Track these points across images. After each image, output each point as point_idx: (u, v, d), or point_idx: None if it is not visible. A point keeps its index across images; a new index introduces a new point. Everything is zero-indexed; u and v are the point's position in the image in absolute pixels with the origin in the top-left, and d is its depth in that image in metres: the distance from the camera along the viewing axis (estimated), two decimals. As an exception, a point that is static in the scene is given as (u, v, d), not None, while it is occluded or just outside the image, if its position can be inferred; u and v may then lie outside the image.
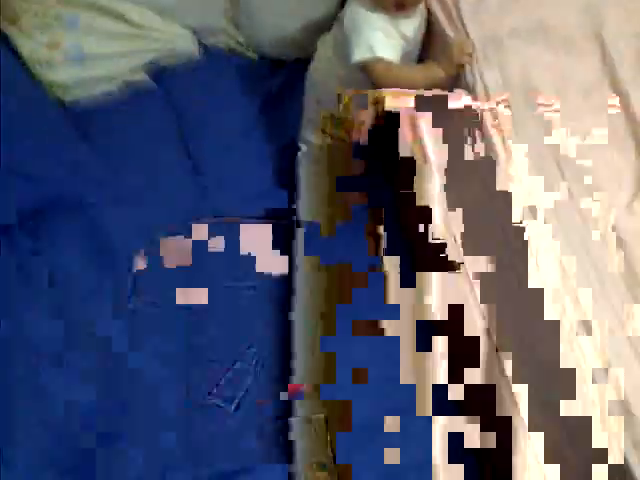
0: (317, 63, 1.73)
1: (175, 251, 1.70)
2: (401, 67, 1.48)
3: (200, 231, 1.71)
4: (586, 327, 1.12)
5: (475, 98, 1.35)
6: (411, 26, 1.49)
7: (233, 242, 1.71)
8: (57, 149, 1.83)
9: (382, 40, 1.43)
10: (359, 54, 1.45)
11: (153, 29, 2.06)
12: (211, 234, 1.72)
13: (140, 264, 1.72)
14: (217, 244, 1.70)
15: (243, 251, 1.69)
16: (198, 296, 1.67)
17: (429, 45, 1.55)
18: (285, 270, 1.70)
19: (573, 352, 1.11)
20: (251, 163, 1.95)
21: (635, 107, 1.30)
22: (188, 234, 1.73)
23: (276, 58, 2.16)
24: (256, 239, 1.71)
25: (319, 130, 1.77)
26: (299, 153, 1.87)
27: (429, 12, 1.53)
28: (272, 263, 1.70)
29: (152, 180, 1.89)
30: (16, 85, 1.92)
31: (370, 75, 1.47)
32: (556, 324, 1.14)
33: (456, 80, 1.40)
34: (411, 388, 1.59)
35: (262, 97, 2.09)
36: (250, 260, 1.69)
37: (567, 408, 1.13)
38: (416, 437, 1.54)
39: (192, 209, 1.80)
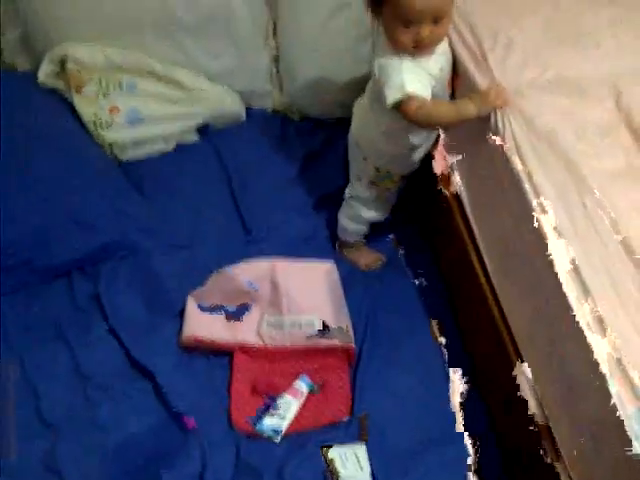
0: (357, 123, 1.84)
1: (221, 290, 1.81)
2: (434, 103, 1.57)
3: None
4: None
5: (503, 140, 1.46)
6: (436, 65, 1.58)
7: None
8: (114, 201, 1.98)
9: (411, 79, 1.51)
10: (392, 96, 1.53)
11: (204, 93, 2.24)
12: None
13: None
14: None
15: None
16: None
17: (455, 86, 1.67)
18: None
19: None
20: (294, 212, 2.09)
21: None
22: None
23: (318, 118, 2.32)
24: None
25: (369, 184, 1.89)
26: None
27: (454, 55, 1.64)
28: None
29: (201, 228, 2.03)
30: (78, 145, 2.10)
31: (405, 115, 1.54)
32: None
33: (484, 121, 1.51)
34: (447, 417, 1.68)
35: (304, 153, 2.24)
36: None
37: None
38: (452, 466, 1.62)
39: (239, 254, 1.90)
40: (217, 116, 2.29)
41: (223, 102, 2.28)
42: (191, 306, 1.81)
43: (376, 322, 1.87)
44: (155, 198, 2.08)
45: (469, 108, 1.51)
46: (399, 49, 1.52)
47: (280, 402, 1.69)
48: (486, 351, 1.68)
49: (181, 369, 1.74)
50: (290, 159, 2.23)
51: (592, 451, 1.24)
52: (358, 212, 1.97)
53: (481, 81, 1.56)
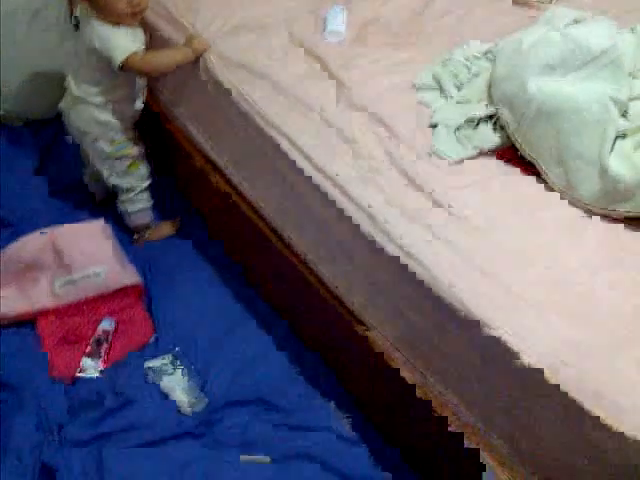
0: (76, 114, 2.03)
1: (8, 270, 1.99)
2: (155, 52, 1.93)
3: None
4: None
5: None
6: (142, 36, 1.93)
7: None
8: None
9: (131, 40, 1.86)
10: (118, 58, 1.83)
11: None
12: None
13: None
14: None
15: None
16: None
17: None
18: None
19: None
20: (43, 203, 2.32)
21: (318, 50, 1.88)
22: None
23: (40, 119, 2.54)
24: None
25: (114, 160, 2.11)
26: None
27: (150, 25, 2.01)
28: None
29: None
30: None
31: (134, 69, 1.87)
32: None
33: (194, 66, 1.90)
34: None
35: (38, 151, 2.48)
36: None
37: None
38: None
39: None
40: None
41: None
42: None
43: (154, 263, 2.17)
44: None
45: (187, 51, 1.88)
46: (116, 17, 1.83)
47: (93, 342, 1.92)
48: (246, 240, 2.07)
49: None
50: (26, 159, 2.44)
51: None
52: (129, 191, 2.18)
53: (177, 38, 1.94)
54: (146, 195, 2.23)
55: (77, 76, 2.01)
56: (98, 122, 2.04)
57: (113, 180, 2.16)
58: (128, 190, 2.18)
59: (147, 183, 2.22)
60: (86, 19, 1.90)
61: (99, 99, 2.00)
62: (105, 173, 2.14)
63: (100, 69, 1.93)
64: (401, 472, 1.74)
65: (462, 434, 1.48)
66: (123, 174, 2.15)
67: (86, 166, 2.26)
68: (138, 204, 2.22)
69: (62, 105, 2.08)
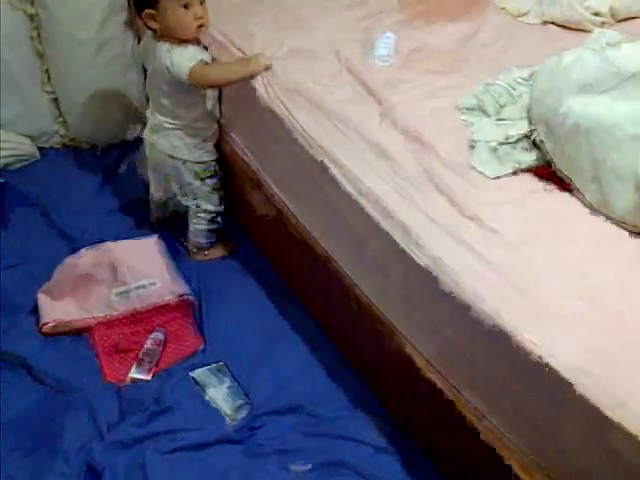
0: (165, 140, 2.10)
1: (67, 279, 2.09)
2: (219, 63, 2.01)
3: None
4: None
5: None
6: (205, 51, 2.02)
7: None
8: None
9: (196, 51, 1.94)
10: (185, 68, 1.87)
11: (-2, 143, 2.52)
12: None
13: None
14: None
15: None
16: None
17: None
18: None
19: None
20: (106, 218, 2.44)
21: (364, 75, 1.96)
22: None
23: (105, 143, 2.69)
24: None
25: (201, 181, 2.19)
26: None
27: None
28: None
29: (27, 248, 2.32)
30: None
31: (201, 79, 1.91)
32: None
33: (249, 89, 1.98)
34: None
35: (101, 173, 2.61)
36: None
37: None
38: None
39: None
40: (14, 160, 2.57)
41: (17, 147, 2.57)
42: (43, 298, 2.06)
43: (203, 279, 2.25)
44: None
45: (246, 66, 1.95)
46: (183, 33, 1.92)
47: (143, 351, 2.00)
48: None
49: (48, 351, 1.99)
50: (89, 180, 2.58)
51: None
52: (209, 214, 2.26)
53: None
54: (217, 218, 2.30)
55: (156, 104, 2.09)
56: (184, 144, 2.12)
57: (199, 202, 2.22)
58: (205, 211, 2.25)
59: (221, 207, 2.29)
60: (152, 42, 2.00)
61: (180, 121, 2.08)
62: (190, 194, 2.21)
63: (173, 90, 2.01)
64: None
65: (494, 448, 1.49)
66: (209, 194, 2.22)
67: (151, 189, 2.34)
68: (206, 224, 2.29)
69: (145, 135, 2.17)
